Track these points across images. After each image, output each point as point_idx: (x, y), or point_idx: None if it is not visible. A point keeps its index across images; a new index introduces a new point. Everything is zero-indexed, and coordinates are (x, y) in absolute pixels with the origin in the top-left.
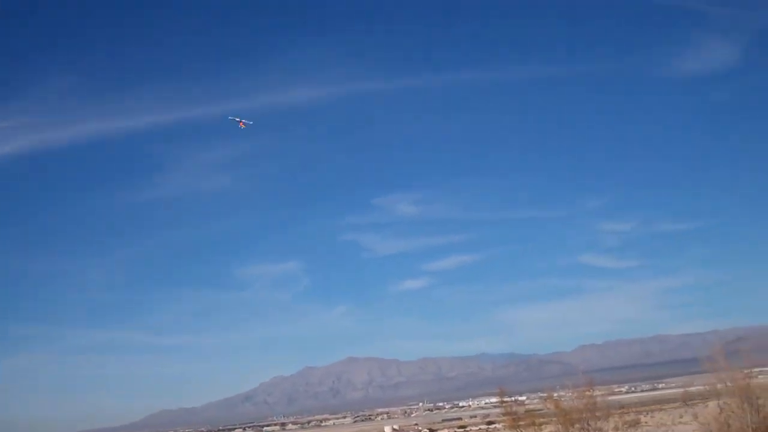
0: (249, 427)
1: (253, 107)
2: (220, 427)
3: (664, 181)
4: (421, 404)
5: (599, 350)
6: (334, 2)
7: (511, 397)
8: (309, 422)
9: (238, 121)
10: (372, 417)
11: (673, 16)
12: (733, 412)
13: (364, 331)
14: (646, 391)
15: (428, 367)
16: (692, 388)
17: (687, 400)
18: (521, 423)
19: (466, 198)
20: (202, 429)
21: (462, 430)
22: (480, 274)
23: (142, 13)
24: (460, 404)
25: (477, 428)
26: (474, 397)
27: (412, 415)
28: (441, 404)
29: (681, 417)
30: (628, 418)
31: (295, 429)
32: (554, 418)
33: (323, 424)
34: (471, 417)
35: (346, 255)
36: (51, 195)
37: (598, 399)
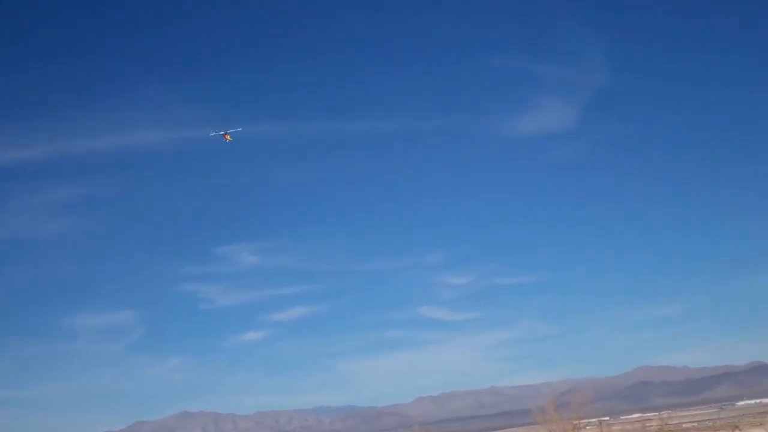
0: None
1: (91, 149)
2: None
3: (502, 235)
4: None
5: (435, 402)
6: (176, 44)
7: None
8: None
9: (222, 134)
10: None
11: (513, 78)
12: None
13: (200, 384)
14: None
15: (265, 421)
16: None
17: None
18: None
19: (310, 248)
20: None
21: None
22: (322, 325)
23: None
24: None
25: None
26: None
27: None
28: None
29: None
30: None
31: None
32: None
33: None
34: None
35: (183, 305)
36: None
37: None
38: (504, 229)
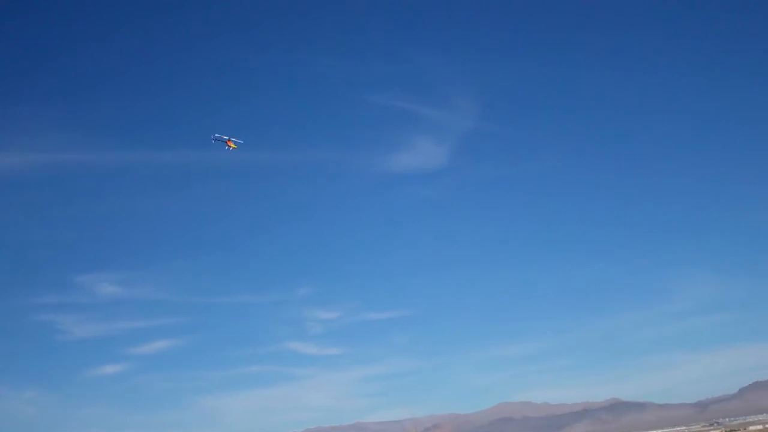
0: None
1: None
2: None
3: (372, 270)
4: None
5: None
6: (50, 66)
7: None
8: None
9: (225, 140)
10: None
11: (390, 116)
12: None
13: (55, 419)
14: None
15: None
16: None
17: None
18: None
19: (175, 280)
20: None
21: None
22: (185, 359)
23: None
24: None
25: None
26: None
27: None
28: None
29: None
30: None
31: None
32: None
33: None
34: None
35: (39, 335)
36: None
37: None
38: (374, 264)
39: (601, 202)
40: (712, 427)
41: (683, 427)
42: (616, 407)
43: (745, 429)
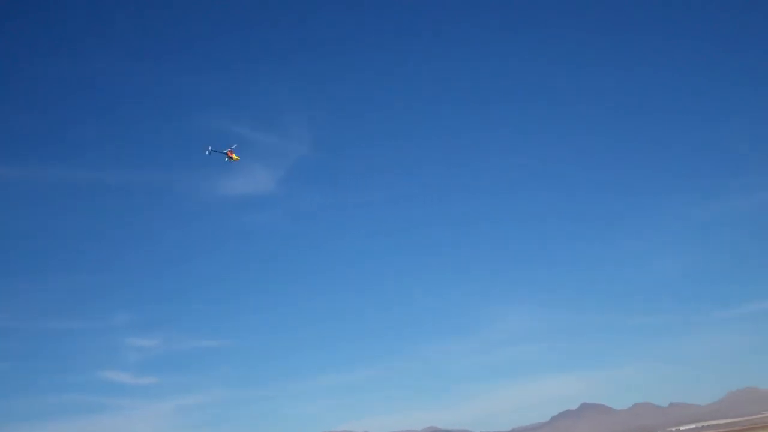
0: None
1: None
2: None
3: (194, 297)
4: None
5: None
6: None
7: None
8: None
9: (225, 151)
10: None
11: (222, 139)
12: None
13: None
14: None
15: None
16: None
17: None
18: None
19: None
20: None
21: None
22: None
23: None
24: None
25: None
26: None
27: None
28: None
29: None
30: None
31: None
32: None
33: None
34: None
35: None
36: None
37: None
38: (197, 291)
39: (424, 232)
40: None
41: None
42: None
43: None
